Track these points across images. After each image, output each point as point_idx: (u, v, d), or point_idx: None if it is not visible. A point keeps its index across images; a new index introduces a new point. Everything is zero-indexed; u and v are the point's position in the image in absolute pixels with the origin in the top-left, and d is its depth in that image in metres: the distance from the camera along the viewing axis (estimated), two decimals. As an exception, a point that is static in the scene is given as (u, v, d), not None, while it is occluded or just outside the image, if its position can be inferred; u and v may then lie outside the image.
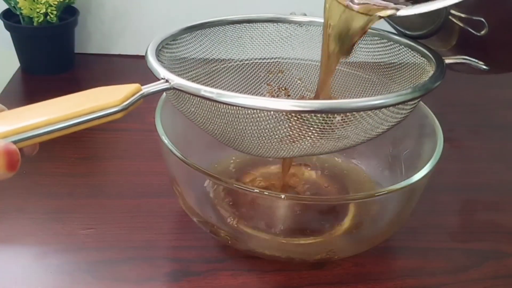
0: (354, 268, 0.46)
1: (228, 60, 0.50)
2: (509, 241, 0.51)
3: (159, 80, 0.36)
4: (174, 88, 0.36)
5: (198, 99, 0.37)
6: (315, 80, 0.51)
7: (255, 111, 0.35)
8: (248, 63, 0.51)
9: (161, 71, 0.37)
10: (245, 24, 0.50)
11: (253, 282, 0.44)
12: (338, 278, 0.45)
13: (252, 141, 0.39)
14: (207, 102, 0.36)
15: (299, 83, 0.53)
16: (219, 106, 0.36)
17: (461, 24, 0.39)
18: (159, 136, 0.44)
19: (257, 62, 0.52)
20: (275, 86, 0.53)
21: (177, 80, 0.36)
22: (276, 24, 0.51)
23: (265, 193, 0.41)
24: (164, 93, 0.50)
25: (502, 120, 0.72)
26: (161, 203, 0.52)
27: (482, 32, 0.38)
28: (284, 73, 0.53)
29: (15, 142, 0.28)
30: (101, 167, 0.58)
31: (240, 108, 0.36)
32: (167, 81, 0.36)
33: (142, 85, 0.34)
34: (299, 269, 0.46)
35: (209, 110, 0.37)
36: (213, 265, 0.46)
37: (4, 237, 0.47)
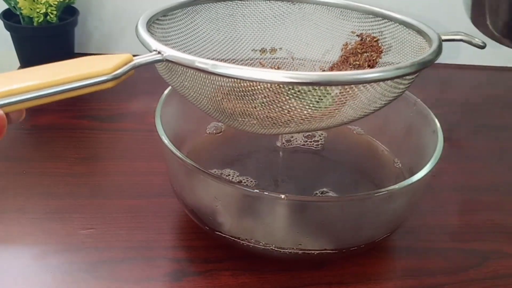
0: (354, 268, 0.46)
1: (220, 38, 0.49)
2: (509, 241, 0.51)
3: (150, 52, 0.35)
4: (167, 60, 0.35)
5: (192, 72, 0.36)
6: (308, 58, 0.51)
7: (251, 83, 0.35)
8: (240, 42, 0.51)
9: (153, 43, 0.36)
10: (237, 1, 0.49)
11: (253, 282, 0.44)
12: (338, 278, 0.45)
13: (247, 116, 0.38)
14: (201, 74, 0.36)
15: (292, 62, 0.52)
16: (214, 78, 0.35)
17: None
18: (159, 136, 0.44)
19: (250, 41, 0.51)
20: (268, 65, 0.52)
21: (169, 52, 0.35)
22: (268, 1, 0.50)
23: (265, 193, 0.41)
24: (165, 92, 0.50)
25: (502, 120, 0.72)
26: (161, 203, 0.52)
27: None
28: (277, 52, 0.52)
29: (1, 106, 0.27)
30: (101, 167, 0.58)
31: (235, 80, 0.34)
32: (159, 52, 0.35)
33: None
34: (299, 269, 0.46)
35: (203, 83, 0.36)
36: (213, 265, 0.46)
37: (4, 237, 0.47)
